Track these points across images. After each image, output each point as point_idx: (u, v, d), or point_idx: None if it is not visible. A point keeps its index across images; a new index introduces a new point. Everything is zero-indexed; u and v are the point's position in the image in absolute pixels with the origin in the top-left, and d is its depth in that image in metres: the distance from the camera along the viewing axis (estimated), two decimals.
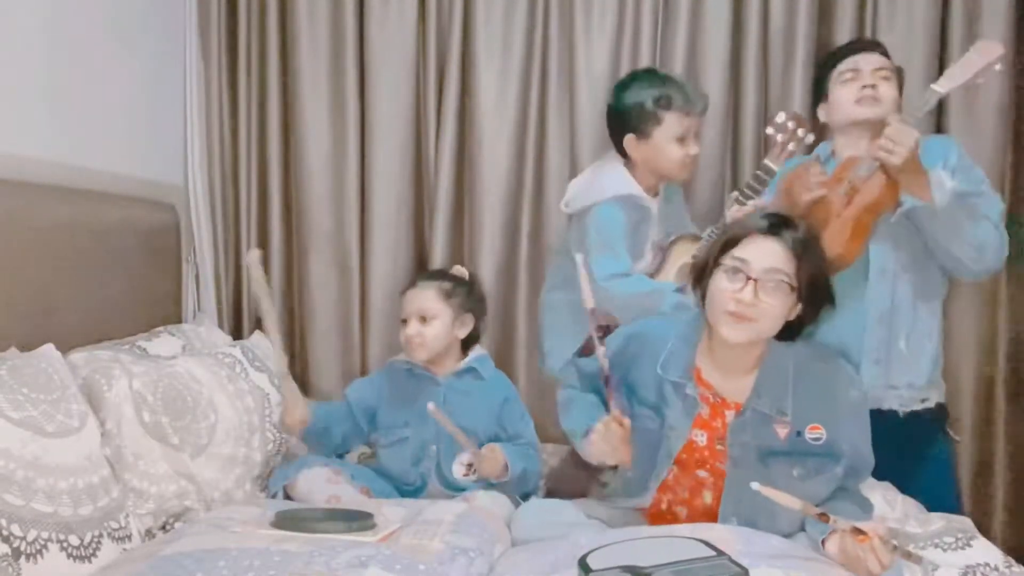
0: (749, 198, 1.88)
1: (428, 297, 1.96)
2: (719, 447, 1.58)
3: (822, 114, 2.02)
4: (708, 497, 1.61)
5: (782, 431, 1.54)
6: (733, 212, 1.89)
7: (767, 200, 1.91)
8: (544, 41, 2.49)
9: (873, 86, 1.90)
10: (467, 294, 2.01)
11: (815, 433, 1.54)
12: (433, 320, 1.94)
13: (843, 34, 2.39)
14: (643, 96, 1.96)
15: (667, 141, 1.92)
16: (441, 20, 2.52)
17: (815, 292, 1.54)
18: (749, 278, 1.49)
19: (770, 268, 1.49)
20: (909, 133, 1.72)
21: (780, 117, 1.90)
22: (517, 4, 2.47)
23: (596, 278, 1.90)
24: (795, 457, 1.54)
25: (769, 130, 1.91)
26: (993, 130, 2.32)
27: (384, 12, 2.50)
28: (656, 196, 2.04)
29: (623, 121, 2.02)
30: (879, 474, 1.84)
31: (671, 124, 1.91)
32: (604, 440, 1.56)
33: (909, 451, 1.90)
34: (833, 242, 1.81)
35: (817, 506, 1.50)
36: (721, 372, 1.60)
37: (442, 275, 2.06)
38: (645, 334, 1.68)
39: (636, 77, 2.06)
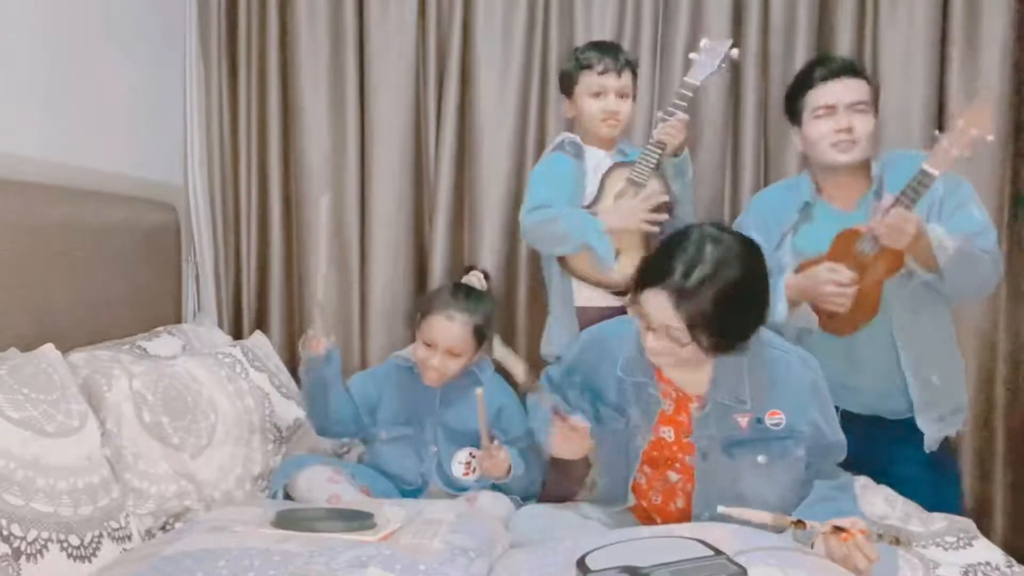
0: (672, 115, 2.01)
1: (462, 337, 1.90)
2: (686, 440, 1.60)
3: (797, 142, 1.97)
4: (680, 502, 1.63)
5: (743, 420, 1.56)
6: (660, 129, 2.01)
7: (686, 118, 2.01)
8: (544, 41, 2.49)
9: (849, 129, 1.84)
10: (491, 322, 1.96)
11: (775, 418, 1.56)
12: (460, 356, 1.91)
13: (843, 32, 2.39)
14: (569, 63, 2.14)
15: (584, 97, 2.08)
16: (441, 20, 2.52)
17: (714, 321, 1.45)
18: (652, 328, 1.49)
19: (662, 324, 1.47)
20: (910, 220, 1.69)
21: (703, 43, 2.04)
22: (517, 4, 2.48)
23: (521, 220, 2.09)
24: (758, 444, 1.56)
25: (693, 55, 2.04)
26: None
27: (384, 12, 2.51)
28: (611, 151, 2.12)
29: (561, 90, 2.18)
30: (882, 477, 1.85)
31: (585, 81, 2.07)
32: (563, 433, 1.60)
33: (916, 454, 1.90)
34: (852, 317, 1.82)
35: (793, 492, 1.53)
36: (678, 368, 1.61)
37: (475, 303, 1.95)
38: (602, 339, 1.69)
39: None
